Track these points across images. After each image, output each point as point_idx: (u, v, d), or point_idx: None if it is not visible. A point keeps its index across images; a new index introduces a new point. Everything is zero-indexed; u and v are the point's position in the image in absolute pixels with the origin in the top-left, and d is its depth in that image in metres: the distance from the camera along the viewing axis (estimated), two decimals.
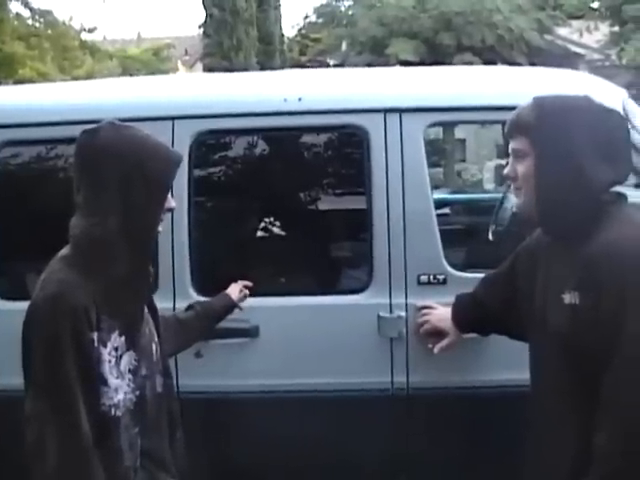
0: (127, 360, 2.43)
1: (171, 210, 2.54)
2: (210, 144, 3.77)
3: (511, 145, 2.58)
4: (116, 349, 2.39)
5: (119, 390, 2.39)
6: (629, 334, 2.27)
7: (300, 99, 3.57)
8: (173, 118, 3.52)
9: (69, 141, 3.61)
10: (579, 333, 2.37)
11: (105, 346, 2.36)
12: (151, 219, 2.43)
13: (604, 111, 2.50)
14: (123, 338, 2.41)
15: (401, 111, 3.53)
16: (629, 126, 2.57)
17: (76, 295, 2.30)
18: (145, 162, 2.38)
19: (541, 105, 2.50)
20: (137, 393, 2.46)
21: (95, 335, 2.32)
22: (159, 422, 2.57)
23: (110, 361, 2.37)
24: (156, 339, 2.61)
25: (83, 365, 2.29)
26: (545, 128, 2.44)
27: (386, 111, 3.53)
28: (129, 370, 2.44)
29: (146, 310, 2.58)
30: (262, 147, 3.91)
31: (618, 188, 2.52)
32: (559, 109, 2.47)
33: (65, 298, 2.29)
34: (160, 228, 2.49)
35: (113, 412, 2.37)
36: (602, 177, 2.42)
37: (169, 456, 2.60)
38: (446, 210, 6.40)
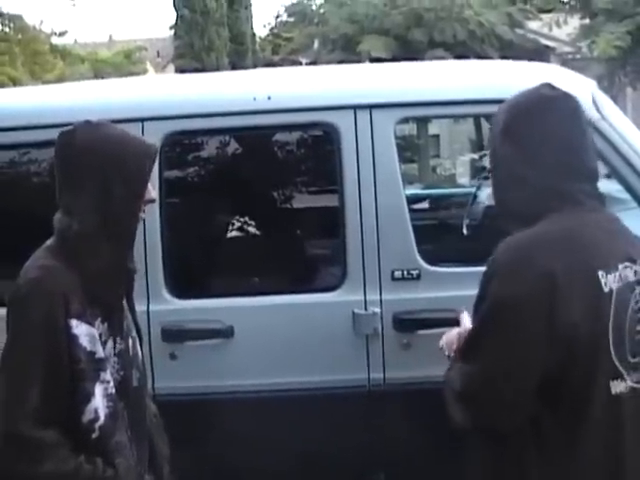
0: (111, 345, 2.46)
1: (152, 201, 2.57)
2: (180, 145, 3.76)
3: None
4: (100, 335, 2.41)
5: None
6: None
7: (269, 97, 3.56)
8: (142, 120, 3.50)
9: (39, 145, 3.64)
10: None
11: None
12: (131, 213, 2.46)
13: (567, 117, 2.30)
14: (106, 325, 2.44)
15: (371, 107, 3.52)
16: (589, 129, 2.43)
17: (55, 281, 2.35)
18: (123, 158, 2.41)
19: (504, 105, 2.38)
20: (122, 374, 2.49)
21: (73, 322, 2.33)
22: (139, 415, 2.57)
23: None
24: (133, 334, 2.63)
25: (53, 349, 2.31)
26: (498, 128, 2.35)
27: (356, 107, 3.52)
28: (114, 354, 2.47)
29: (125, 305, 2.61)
30: (233, 147, 3.90)
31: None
32: (516, 111, 2.33)
33: (44, 283, 2.35)
34: (143, 215, 2.53)
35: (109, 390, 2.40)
36: (543, 182, 2.25)
37: (146, 453, 2.59)
38: (420, 205, 6.39)
